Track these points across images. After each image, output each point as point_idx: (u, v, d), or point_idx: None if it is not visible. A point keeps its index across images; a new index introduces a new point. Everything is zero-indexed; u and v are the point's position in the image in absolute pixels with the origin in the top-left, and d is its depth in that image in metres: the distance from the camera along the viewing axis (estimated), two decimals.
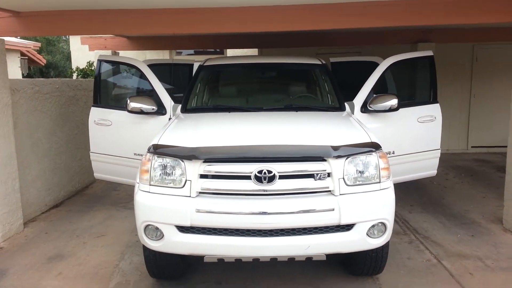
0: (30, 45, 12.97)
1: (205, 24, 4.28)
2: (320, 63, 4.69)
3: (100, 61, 4.80)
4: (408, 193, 6.06)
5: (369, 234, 3.01)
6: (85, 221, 5.21)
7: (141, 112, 4.23)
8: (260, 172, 2.88)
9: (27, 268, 3.99)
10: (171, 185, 3.00)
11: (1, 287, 3.69)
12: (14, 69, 12.58)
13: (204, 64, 4.68)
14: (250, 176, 2.90)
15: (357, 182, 3.02)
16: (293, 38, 7.17)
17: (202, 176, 2.97)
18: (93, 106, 4.77)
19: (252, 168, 2.90)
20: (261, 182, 2.89)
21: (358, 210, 2.96)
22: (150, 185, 3.04)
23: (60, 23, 4.41)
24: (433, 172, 4.85)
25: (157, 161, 3.05)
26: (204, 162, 2.95)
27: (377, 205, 3.02)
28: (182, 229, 2.94)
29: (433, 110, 4.69)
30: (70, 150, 6.23)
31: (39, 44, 14.47)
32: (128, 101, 4.17)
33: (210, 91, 4.78)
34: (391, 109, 4.22)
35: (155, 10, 4.22)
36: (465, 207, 5.51)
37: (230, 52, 9.09)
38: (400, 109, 4.40)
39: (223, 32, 4.49)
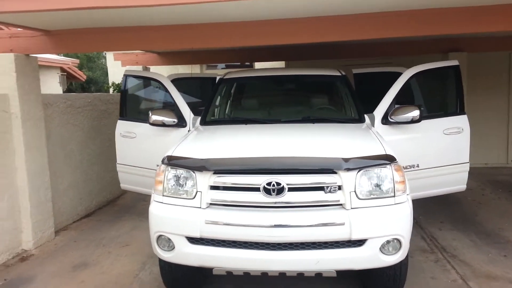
0: (69, 62, 13.66)
1: (234, 37, 4.29)
2: (340, 74, 4.65)
3: (126, 76, 4.99)
4: (440, 208, 5.82)
5: (382, 250, 2.92)
6: (113, 231, 5.37)
7: (162, 124, 4.34)
8: (268, 184, 2.88)
9: (53, 276, 4.14)
10: (183, 196, 3.04)
11: None
12: (55, 85, 13.25)
13: (224, 78, 4.75)
14: (259, 188, 2.90)
15: (370, 196, 2.94)
16: (321, 50, 7.14)
17: (213, 188, 3.00)
18: (119, 119, 4.94)
19: (261, 180, 2.90)
20: (270, 194, 2.88)
21: (370, 225, 2.87)
22: (163, 195, 3.10)
23: (86, 40, 4.61)
24: (462, 187, 4.65)
25: (170, 172, 3.11)
26: (214, 173, 2.99)
27: (391, 221, 2.93)
28: (192, 240, 2.97)
29: (460, 122, 4.52)
30: (102, 162, 6.46)
31: (77, 61, 15.21)
32: (150, 114, 4.29)
33: (229, 104, 4.84)
34: (413, 121, 4.11)
35: (180, 26, 4.31)
36: (500, 225, 5.22)
37: (258, 65, 9.17)
38: (425, 121, 4.28)
39: (248, 45, 4.51)
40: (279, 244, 2.86)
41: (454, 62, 4.62)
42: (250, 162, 2.98)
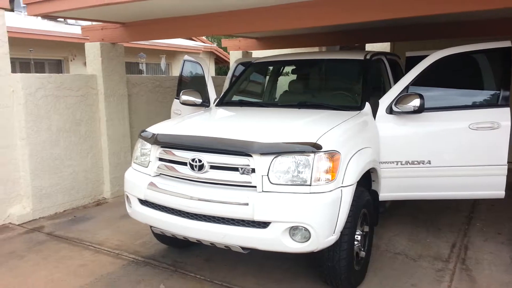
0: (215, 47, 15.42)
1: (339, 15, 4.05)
2: (362, 59, 4.35)
3: (184, 61, 5.70)
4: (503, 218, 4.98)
5: (291, 236, 2.92)
6: None
7: (191, 104, 4.89)
8: (193, 160, 3.18)
9: (103, 220, 5.25)
10: (143, 164, 3.59)
11: (85, 226, 5.06)
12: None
13: (253, 62, 4.99)
14: (186, 163, 3.22)
15: (284, 182, 2.95)
16: (430, 28, 6.45)
17: (160, 159, 3.45)
18: (175, 98, 5.72)
19: (188, 156, 3.22)
20: (193, 169, 3.18)
21: (274, 209, 2.90)
22: (133, 162, 3.71)
23: (155, 29, 5.47)
24: (497, 193, 3.87)
25: (139, 143, 3.69)
26: (161, 147, 3.43)
27: (298, 208, 2.88)
28: (141, 201, 3.50)
29: (497, 116, 3.74)
30: None
31: (215, 46, 16.86)
32: (181, 94, 4.90)
33: (246, 87, 5.05)
34: (414, 111, 3.66)
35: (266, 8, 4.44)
36: None
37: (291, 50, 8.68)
38: (444, 112, 3.77)
39: (350, 22, 4.15)
40: (195, 214, 3.15)
41: (507, 43, 3.82)
42: (181, 139, 3.32)
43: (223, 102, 4.65)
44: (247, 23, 4.62)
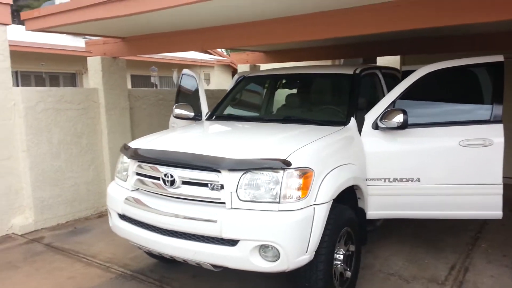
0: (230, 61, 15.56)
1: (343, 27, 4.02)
2: (352, 73, 4.25)
3: (182, 74, 5.74)
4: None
5: (260, 254, 2.85)
6: None
7: (184, 117, 4.89)
8: (165, 175, 3.16)
9: (102, 232, 5.29)
10: (122, 178, 3.60)
11: (83, 237, 5.08)
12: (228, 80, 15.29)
13: (246, 76, 4.97)
14: (159, 178, 3.21)
15: (252, 199, 2.89)
16: (443, 41, 6.28)
17: (137, 174, 3.45)
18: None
19: (162, 170, 3.20)
20: (166, 184, 3.16)
21: (242, 227, 2.84)
22: (115, 177, 3.73)
23: (152, 43, 5.55)
24: (494, 213, 3.68)
25: (120, 158, 3.71)
26: (138, 161, 3.43)
27: (266, 226, 2.81)
28: (120, 216, 3.50)
29: (489, 132, 3.57)
30: None
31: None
32: (174, 107, 4.92)
33: (237, 101, 5.02)
34: (399, 127, 3.55)
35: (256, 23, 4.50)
36: None
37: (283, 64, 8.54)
38: (431, 128, 3.64)
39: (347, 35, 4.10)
40: (168, 230, 3.12)
41: (498, 58, 3.66)
42: (154, 154, 3.32)
43: (213, 116, 4.64)
44: (248, 37, 4.62)
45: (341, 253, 3.31)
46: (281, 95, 4.85)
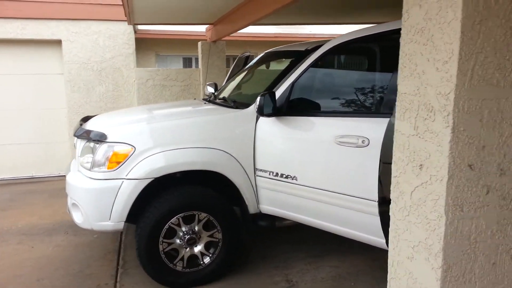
0: None
1: None
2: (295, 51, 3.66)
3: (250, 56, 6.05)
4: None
5: (75, 210, 3.35)
6: None
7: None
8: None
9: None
10: None
11: None
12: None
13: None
14: None
15: (81, 163, 3.35)
16: None
17: None
18: None
19: None
20: None
21: (69, 185, 3.39)
22: None
23: (228, 23, 6.12)
24: (376, 240, 2.68)
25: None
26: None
27: (76, 188, 3.27)
28: None
29: (367, 127, 2.58)
30: None
31: None
32: (206, 85, 5.42)
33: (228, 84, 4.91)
34: (267, 115, 3.05)
35: None
36: None
37: None
38: (311, 118, 3.00)
39: None
40: None
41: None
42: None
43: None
44: None
45: (183, 233, 3.25)
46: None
